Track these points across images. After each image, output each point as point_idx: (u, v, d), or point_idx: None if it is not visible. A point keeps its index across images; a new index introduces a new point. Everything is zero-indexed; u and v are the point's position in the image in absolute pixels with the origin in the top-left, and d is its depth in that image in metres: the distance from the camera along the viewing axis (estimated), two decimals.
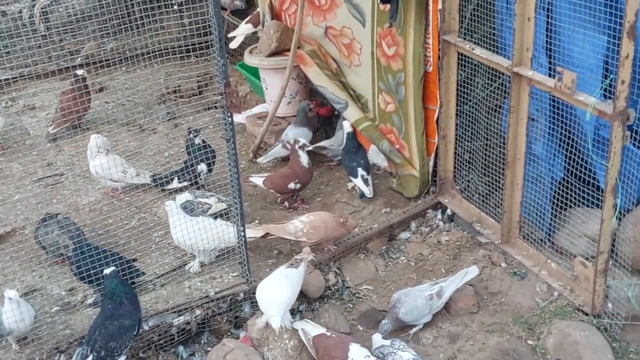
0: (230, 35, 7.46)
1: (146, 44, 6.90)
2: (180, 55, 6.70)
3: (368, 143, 6.21)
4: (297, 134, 6.27)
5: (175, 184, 6.00)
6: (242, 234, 4.86)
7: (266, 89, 6.87)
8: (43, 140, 7.02)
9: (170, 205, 5.07)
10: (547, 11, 4.58)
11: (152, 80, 7.56)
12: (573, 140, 4.65)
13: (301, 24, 6.31)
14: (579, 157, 4.60)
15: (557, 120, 4.72)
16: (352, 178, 5.99)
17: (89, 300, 4.94)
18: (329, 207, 5.91)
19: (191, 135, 6.02)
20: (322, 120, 6.91)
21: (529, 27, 4.53)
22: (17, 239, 5.53)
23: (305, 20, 6.47)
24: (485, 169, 5.30)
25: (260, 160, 6.52)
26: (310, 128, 6.44)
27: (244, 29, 7.45)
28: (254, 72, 7.07)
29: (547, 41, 4.65)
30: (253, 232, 5.23)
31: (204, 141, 6.01)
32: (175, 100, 7.75)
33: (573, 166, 4.61)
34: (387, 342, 4.45)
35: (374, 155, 6.24)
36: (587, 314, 4.57)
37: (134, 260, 5.00)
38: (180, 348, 4.82)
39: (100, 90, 7.74)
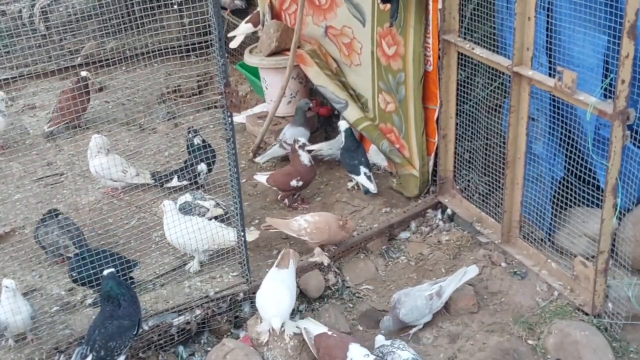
0: (230, 34, 7.46)
1: (146, 44, 6.91)
2: (180, 54, 6.70)
3: (368, 143, 6.21)
4: (295, 134, 6.26)
5: (175, 183, 6.01)
6: (242, 233, 4.85)
7: (266, 88, 6.87)
8: (43, 139, 7.03)
9: (166, 205, 5.07)
10: (548, 10, 4.58)
11: (152, 79, 7.57)
12: (573, 140, 4.65)
13: (301, 24, 6.31)
14: (579, 156, 4.59)
15: (557, 119, 4.72)
16: (354, 176, 5.98)
17: (89, 300, 4.93)
18: (328, 207, 5.91)
19: (190, 135, 6.02)
20: (322, 120, 6.91)
21: (529, 26, 4.53)
22: (17, 239, 5.53)
23: (306, 20, 6.47)
24: (485, 169, 5.29)
25: (258, 160, 6.53)
26: (308, 128, 6.43)
27: (244, 28, 7.45)
28: (254, 71, 7.07)
29: (547, 41, 4.64)
30: (248, 236, 5.24)
31: (204, 141, 6.01)
32: (175, 99, 7.75)
33: (573, 166, 4.61)
34: (388, 342, 4.45)
35: (374, 155, 6.24)
36: (587, 314, 4.57)
37: (132, 262, 4.98)
38: (180, 348, 4.82)
39: (100, 89, 7.75)
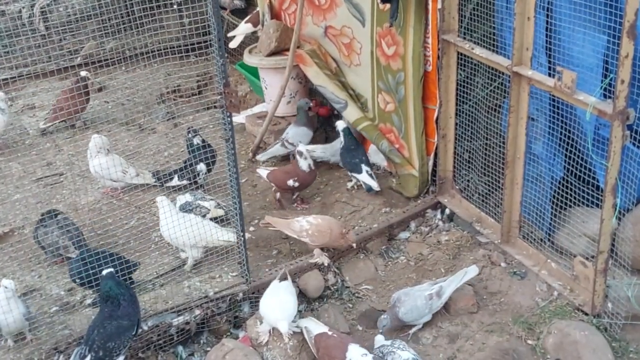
0: (229, 34, 7.47)
1: (146, 44, 6.90)
2: (180, 54, 6.68)
3: (368, 143, 6.21)
4: (298, 133, 6.27)
5: (175, 182, 6.02)
6: (242, 233, 4.85)
7: (266, 88, 6.87)
8: (42, 140, 7.02)
9: (159, 201, 5.07)
10: (547, 10, 4.57)
11: (152, 79, 7.57)
12: (573, 140, 4.64)
13: (301, 24, 6.31)
14: (578, 156, 4.59)
15: (556, 119, 4.72)
16: (356, 174, 5.97)
17: (88, 301, 4.93)
18: (328, 207, 5.91)
19: (190, 135, 6.02)
20: (322, 120, 6.91)
21: (529, 26, 4.53)
22: (16, 239, 5.53)
23: (305, 20, 6.47)
24: (485, 169, 5.29)
25: (259, 157, 6.53)
26: (310, 127, 6.45)
27: (243, 28, 7.45)
28: (254, 71, 7.07)
29: (547, 40, 4.64)
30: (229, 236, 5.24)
31: (204, 141, 6.02)
32: (174, 99, 7.75)
33: (573, 166, 4.60)
34: (388, 342, 4.45)
35: (374, 155, 6.24)
36: (587, 314, 4.57)
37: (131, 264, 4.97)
38: (180, 348, 4.81)
39: (100, 89, 7.74)
